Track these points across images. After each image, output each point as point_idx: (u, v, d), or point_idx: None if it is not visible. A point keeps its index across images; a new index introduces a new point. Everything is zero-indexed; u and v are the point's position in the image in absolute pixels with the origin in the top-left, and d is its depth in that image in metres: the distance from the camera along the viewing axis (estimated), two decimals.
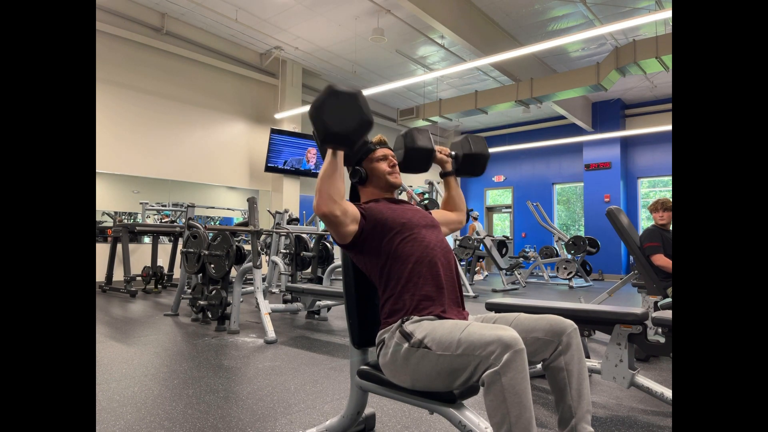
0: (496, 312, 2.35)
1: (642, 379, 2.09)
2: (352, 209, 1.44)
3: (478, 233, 9.27)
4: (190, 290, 4.82)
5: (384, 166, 1.58)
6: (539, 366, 2.29)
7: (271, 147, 8.86)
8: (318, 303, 4.27)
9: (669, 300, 2.16)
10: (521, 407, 1.11)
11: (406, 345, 1.32)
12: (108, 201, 9.61)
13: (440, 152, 1.76)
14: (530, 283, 9.11)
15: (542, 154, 12.59)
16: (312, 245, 5.23)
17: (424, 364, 1.28)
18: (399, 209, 1.53)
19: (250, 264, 3.86)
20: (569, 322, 1.34)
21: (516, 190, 13.04)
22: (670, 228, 3.45)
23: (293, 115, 9.38)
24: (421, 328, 1.33)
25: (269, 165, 8.91)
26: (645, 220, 11.27)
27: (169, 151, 7.92)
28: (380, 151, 1.59)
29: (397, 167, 1.62)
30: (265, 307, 3.70)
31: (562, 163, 12.21)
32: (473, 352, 1.18)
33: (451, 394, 1.29)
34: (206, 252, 4.11)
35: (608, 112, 11.05)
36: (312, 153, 9.55)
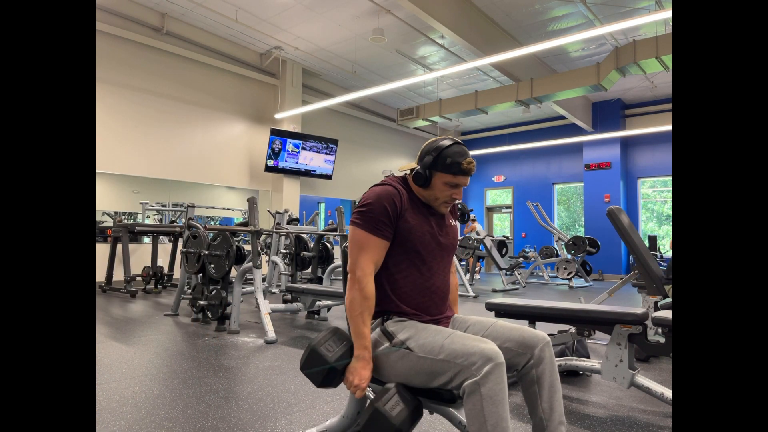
0: (496, 312, 2.36)
1: (642, 379, 2.09)
2: (379, 255, 1.39)
3: (478, 233, 9.28)
4: (190, 290, 4.82)
5: (447, 193, 1.43)
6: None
7: (270, 147, 8.87)
8: (318, 303, 4.27)
9: (669, 300, 2.17)
10: (498, 417, 1.15)
11: (386, 344, 1.36)
12: (108, 201, 9.63)
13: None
14: (530, 283, 9.11)
15: (542, 154, 12.59)
16: (312, 245, 5.23)
17: (403, 362, 1.32)
18: (428, 226, 1.45)
19: (250, 264, 3.86)
20: (542, 335, 1.35)
21: (516, 190, 13.05)
22: None
23: (293, 115, 9.38)
24: (404, 330, 1.36)
25: (269, 165, 8.91)
26: (645, 221, 11.27)
27: (169, 151, 7.92)
28: (458, 179, 1.41)
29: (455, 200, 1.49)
30: (265, 307, 3.70)
31: (562, 163, 12.22)
32: (454, 360, 1.22)
33: (451, 393, 1.30)
34: (206, 252, 4.11)
35: (608, 112, 11.06)
36: (311, 154, 9.56)
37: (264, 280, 5.54)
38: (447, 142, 1.41)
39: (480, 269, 11.89)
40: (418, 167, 1.43)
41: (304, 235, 5.38)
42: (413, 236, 1.40)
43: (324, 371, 1.35)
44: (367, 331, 1.34)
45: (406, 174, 1.52)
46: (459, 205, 6.82)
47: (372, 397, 1.39)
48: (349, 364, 1.35)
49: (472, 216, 10.75)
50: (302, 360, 1.40)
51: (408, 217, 1.41)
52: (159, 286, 6.71)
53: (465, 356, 1.20)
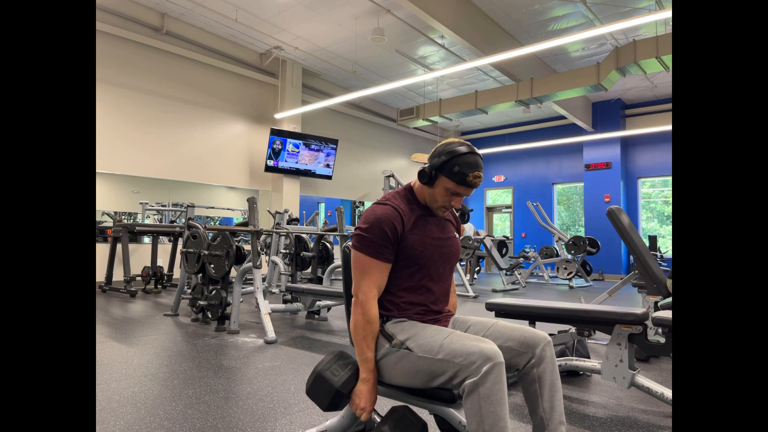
0: (496, 312, 2.36)
1: (642, 379, 2.09)
2: (382, 278, 1.39)
3: (478, 233, 9.27)
4: (190, 290, 4.82)
5: (446, 198, 1.42)
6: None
7: (270, 147, 8.87)
8: (318, 303, 4.27)
9: (669, 300, 2.17)
10: (495, 416, 1.15)
11: (386, 345, 1.36)
12: (108, 201, 9.63)
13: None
14: (530, 283, 9.11)
15: (542, 154, 12.59)
16: (312, 245, 5.23)
17: (403, 363, 1.32)
18: (431, 239, 1.44)
19: (250, 264, 3.86)
20: (543, 334, 1.36)
21: (516, 190, 13.04)
22: None
23: (293, 115, 9.38)
24: (404, 330, 1.36)
25: (269, 165, 8.91)
26: (645, 221, 11.27)
27: (169, 151, 7.92)
28: (460, 188, 1.39)
29: (453, 207, 1.48)
30: (265, 307, 3.70)
31: (562, 163, 12.22)
32: (453, 360, 1.22)
33: (450, 394, 1.30)
34: (206, 252, 4.11)
35: (608, 112, 11.06)
36: (311, 155, 9.56)
37: (264, 280, 5.53)
38: (462, 149, 1.37)
39: (480, 269, 11.89)
40: (426, 165, 1.43)
41: (304, 235, 5.38)
42: (414, 252, 1.40)
43: (330, 395, 1.36)
44: (372, 355, 1.35)
45: (411, 183, 1.52)
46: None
47: (378, 419, 1.39)
48: (355, 387, 1.36)
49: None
50: (308, 384, 1.41)
51: (409, 235, 1.40)
52: (159, 286, 6.71)
53: (464, 356, 1.20)
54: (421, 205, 1.48)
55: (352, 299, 1.39)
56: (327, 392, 1.36)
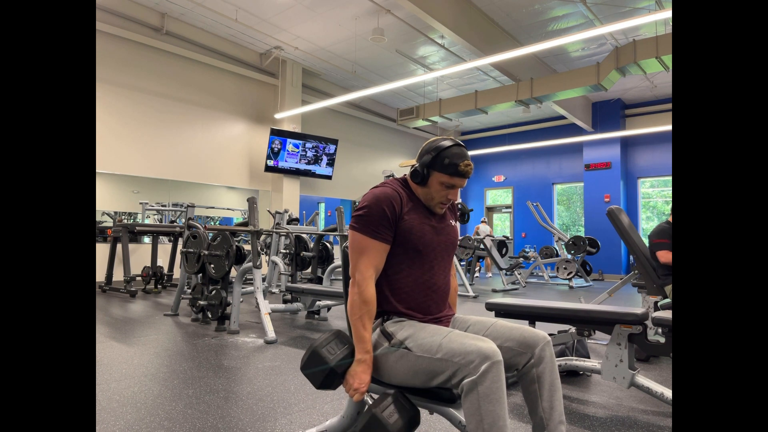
0: (496, 312, 2.36)
1: (642, 379, 2.09)
2: (380, 259, 1.38)
3: (478, 234, 9.27)
4: (190, 290, 4.82)
5: (443, 193, 1.43)
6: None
7: (270, 147, 8.87)
8: (318, 303, 4.27)
9: (669, 300, 2.17)
10: (494, 415, 1.15)
11: (386, 344, 1.36)
12: (108, 201, 9.63)
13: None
14: (530, 283, 9.11)
15: (542, 154, 12.59)
16: (312, 245, 5.23)
17: (402, 363, 1.32)
18: (428, 224, 1.45)
19: (250, 264, 3.86)
20: (542, 334, 1.36)
21: (516, 190, 13.04)
22: None
23: (293, 115, 9.38)
24: (403, 329, 1.36)
25: (269, 165, 8.91)
26: (645, 220, 11.27)
27: (169, 151, 7.92)
28: (454, 180, 1.40)
29: (451, 201, 1.48)
30: (265, 307, 3.70)
31: (562, 163, 12.22)
32: (452, 359, 1.22)
33: (450, 393, 1.30)
34: (206, 252, 4.11)
35: (608, 112, 11.05)
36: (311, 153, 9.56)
37: (264, 280, 5.54)
38: (447, 143, 1.41)
39: (480, 269, 11.89)
40: (417, 165, 1.44)
41: (304, 235, 5.38)
42: (413, 236, 1.40)
43: (324, 373, 1.35)
44: (368, 335, 1.34)
45: (405, 175, 1.53)
46: (459, 206, 6.82)
47: (370, 401, 1.38)
48: (350, 367, 1.35)
49: (483, 218, 10.82)
50: (303, 360, 1.40)
51: (407, 217, 1.41)
52: (159, 286, 6.71)
53: (462, 355, 1.21)
54: (418, 198, 1.49)
55: (350, 280, 1.38)
56: (321, 370, 1.35)
